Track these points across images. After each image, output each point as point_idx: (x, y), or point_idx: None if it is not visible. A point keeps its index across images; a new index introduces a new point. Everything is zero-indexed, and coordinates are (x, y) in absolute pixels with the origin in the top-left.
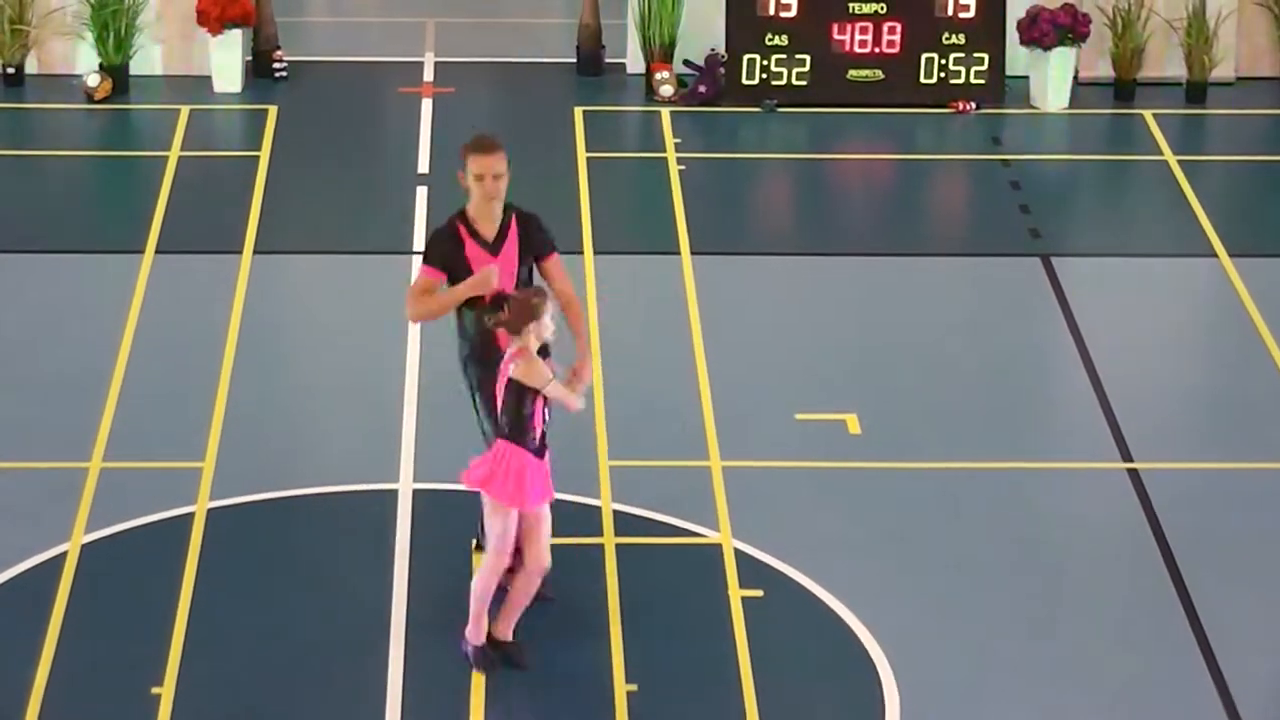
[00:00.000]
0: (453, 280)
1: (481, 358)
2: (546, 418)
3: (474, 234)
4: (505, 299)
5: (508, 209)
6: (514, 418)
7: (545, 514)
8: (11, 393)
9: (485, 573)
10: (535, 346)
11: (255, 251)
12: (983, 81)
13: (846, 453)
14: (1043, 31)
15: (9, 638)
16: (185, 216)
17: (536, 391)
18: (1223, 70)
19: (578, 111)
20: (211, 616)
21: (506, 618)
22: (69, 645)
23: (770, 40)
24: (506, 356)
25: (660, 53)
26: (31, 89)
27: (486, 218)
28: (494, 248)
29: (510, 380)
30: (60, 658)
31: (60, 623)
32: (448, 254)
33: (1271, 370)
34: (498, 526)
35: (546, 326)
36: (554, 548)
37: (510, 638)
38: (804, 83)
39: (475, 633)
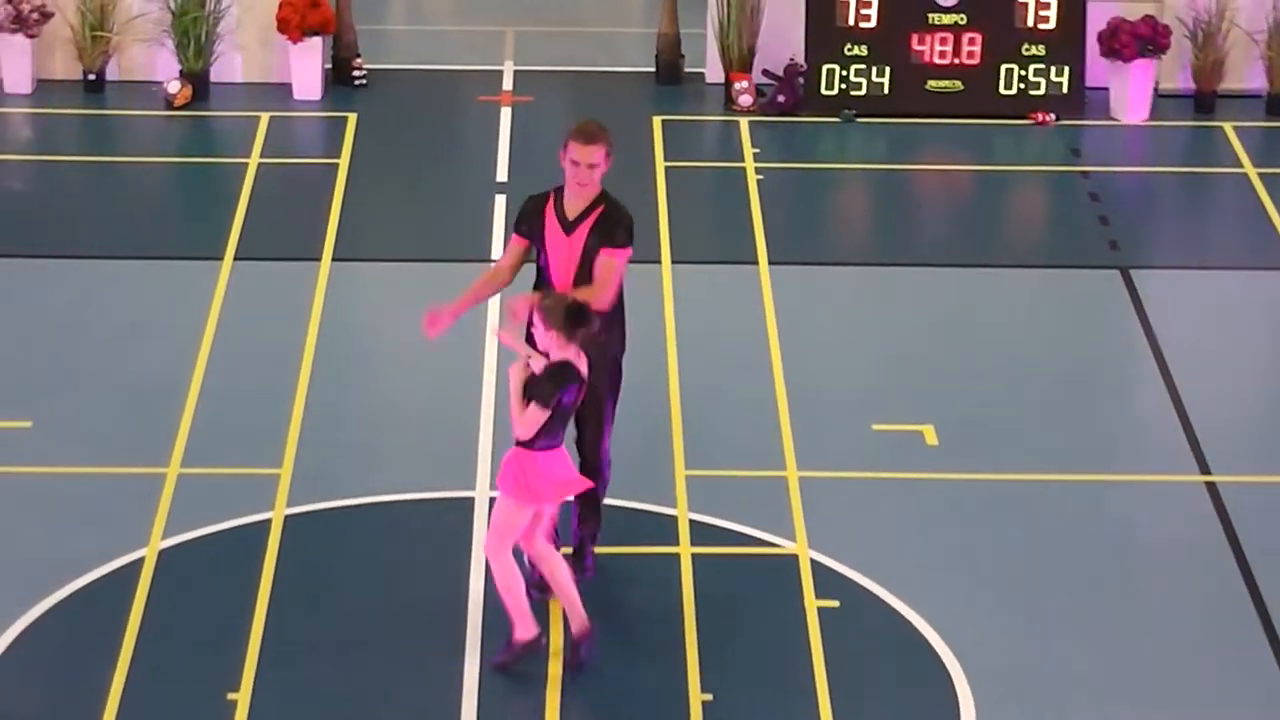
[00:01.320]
0: (534, 251)
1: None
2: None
3: (559, 210)
4: (580, 307)
5: (603, 197)
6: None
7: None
8: (91, 398)
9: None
10: (538, 364)
11: (334, 259)
12: (1063, 93)
13: (923, 464)
14: (1123, 43)
15: (87, 641)
16: (264, 223)
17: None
18: None
19: (656, 120)
20: (288, 623)
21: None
22: (146, 649)
23: (849, 50)
24: (537, 358)
25: (739, 62)
26: (112, 95)
27: (576, 199)
28: (570, 227)
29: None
30: (137, 662)
31: (137, 627)
32: (532, 222)
33: None
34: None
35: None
36: (629, 557)
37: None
38: (883, 93)
39: (576, 622)
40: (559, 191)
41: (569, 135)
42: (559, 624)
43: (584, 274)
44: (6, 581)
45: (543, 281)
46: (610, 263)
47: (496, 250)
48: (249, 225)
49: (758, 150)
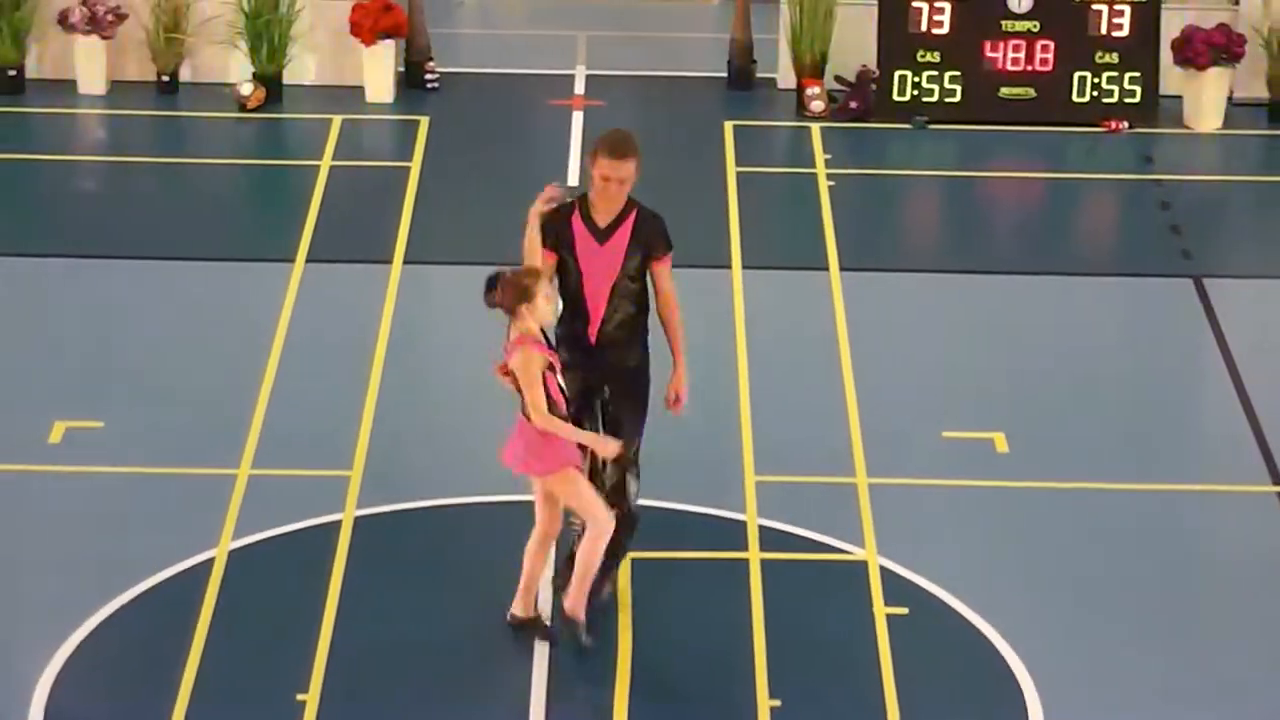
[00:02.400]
0: (562, 263)
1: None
2: (562, 386)
3: (587, 218)
4: (497, 279)
5: (631, 202)
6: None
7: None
8: (162, 399)
9: (589, 542)
10: (535, 330)
11: (405, 261)
12: (1135, 101)
13: (994, 471)
14: (1197, 51)
15: (156, 642)
16: (335, 226)
17: (549, 369)
18: None
19: (728, 126)
20: (357, 624)
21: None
22: (215, 650)
23: (922, 57)
24: (508, 347)
25: (811, 68)
26: (185, 97)
27: (604, 208)
28: (603, 235)
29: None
30: (206, 662)
31: (207, 628)
32: (558, 233)
33: None
34: (571, 500)
35: (543, 310)
36: (699, 562)
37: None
38: (955, 100)
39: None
40: (583, 200)
41: (597, 147)
42: (627, 633)
43: (623, 283)
44: (78, 581)
45: (575, 295)
46: (669, 271)
47: None
48: (320, 228)
49: (829, 156)
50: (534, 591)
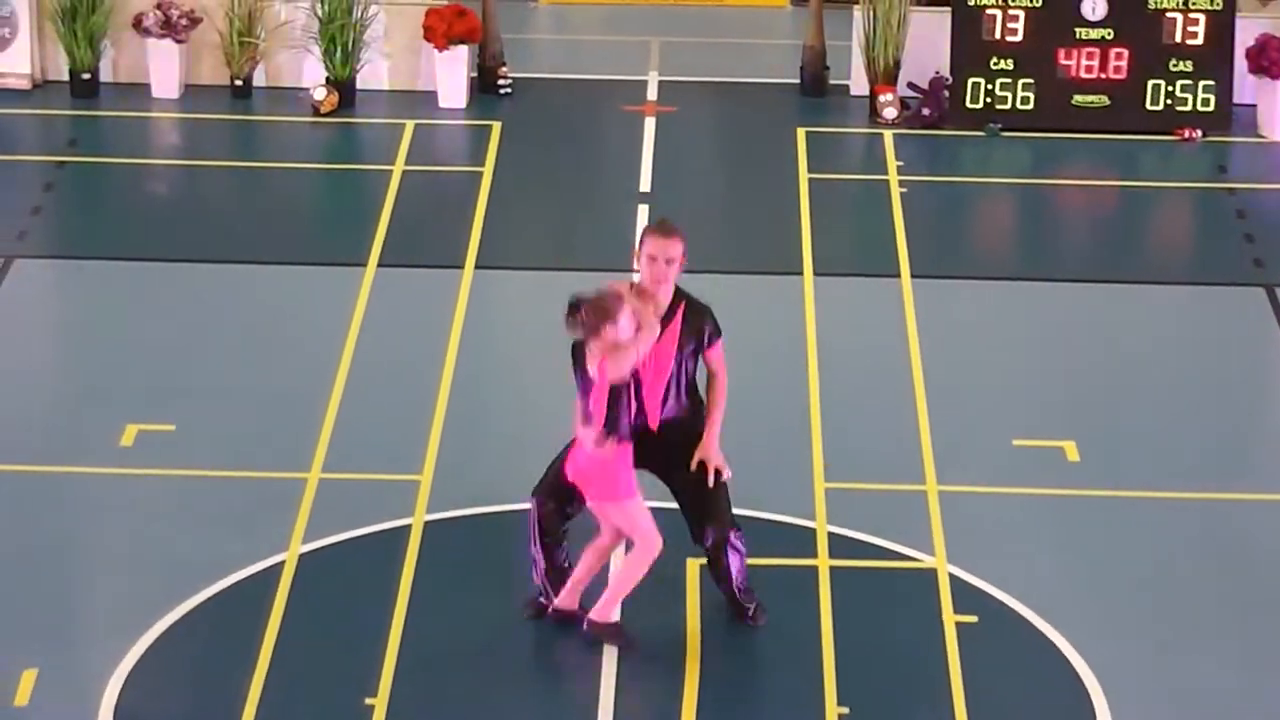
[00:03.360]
0: None
1: None
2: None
3: None
4: (581, 301)
5: (679, 294)
6: (612, 415)
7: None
8: (233, 402)
9: (636, 560)
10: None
11: (477, 266)
12: (1209, 109)
13: (1065, 480)
14: (1272, 60)
15: (227, 644)
16: (408, 230)
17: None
18: None
19: (800, 132)
20: (426, 628)
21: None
22: (285, 653)
23: (995, 64)
24: (596, 364)
25: (884, 75)
26: (259, 101)
27: (655, 295)
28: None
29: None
30: (276, 665)
31: (277, 631)
32: None
33: None
34: (625, 525)
35: (622, 329)
36: (767, 569)
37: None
38: (1028, 107)
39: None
40: (634, 288)
41: (644, 234)
42: (696, 639)
43: (680, 373)
44: (149, 582)
45: (634, 393)
46: (719, 356)
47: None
48: (393, 232)
49: (901, 163)
50: (581, 590)
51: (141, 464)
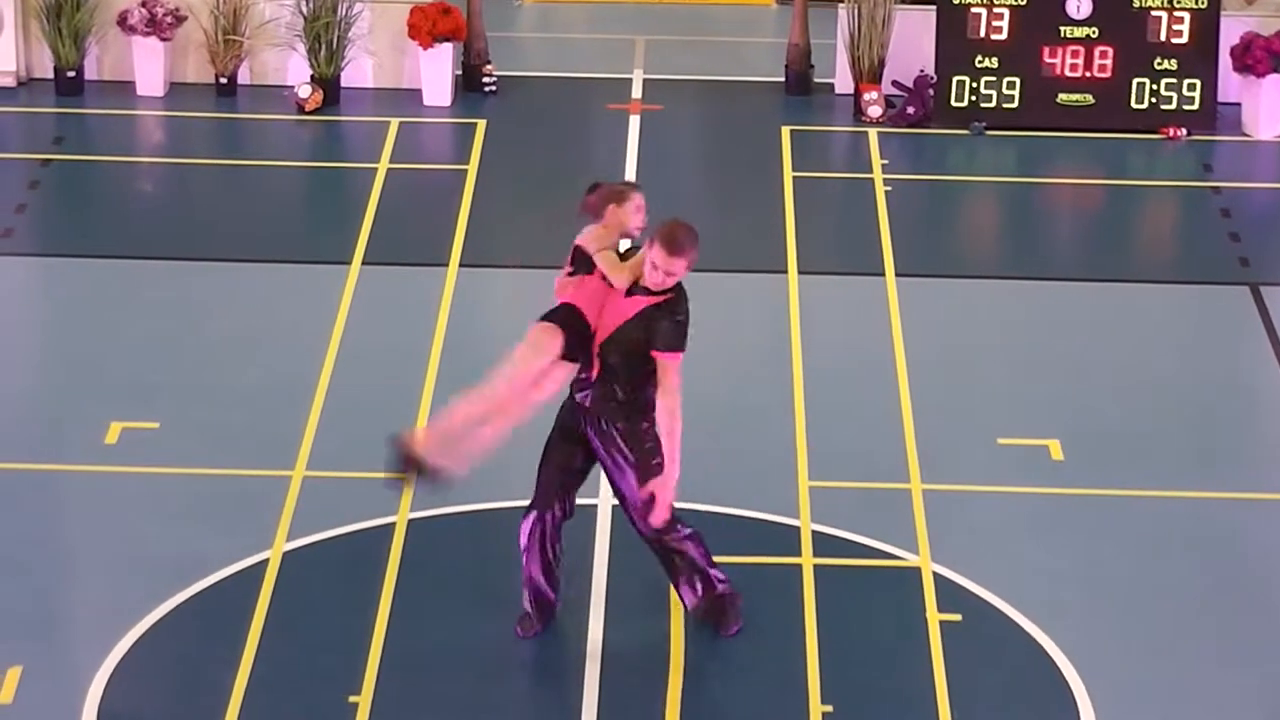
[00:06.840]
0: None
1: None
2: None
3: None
4: (600, 184)
5: (673, 289)
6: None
7: None
8: (218, 400)
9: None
10: (618, 240)
11: (461, 264)
12: (1194, 107)
13: (1049, 478)
14: (1256, 58)
15: (210, 642)
16: (393, 228)
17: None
18: None
19: (785, 130)
20: (410, 626)
21: None
22: (269, 650)
23: (980, 62)
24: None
25: (869, 73)
26: (243, 99)
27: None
28: (631, 290)
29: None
30: (260, 662)
31: (260, 629)
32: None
33: None
34: None
35: (631, 217)
36: (752, 567)
37: None
38: (1013, 105)
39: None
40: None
41: (657, 235)
42: (679, 638)
43: (627, 349)
44: (133, 580)
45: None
46: (672, 370)
47: None
48: (377, 230)
49: (886, 162)
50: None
51: (126, 461)
